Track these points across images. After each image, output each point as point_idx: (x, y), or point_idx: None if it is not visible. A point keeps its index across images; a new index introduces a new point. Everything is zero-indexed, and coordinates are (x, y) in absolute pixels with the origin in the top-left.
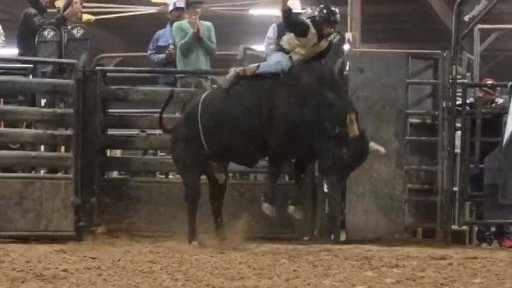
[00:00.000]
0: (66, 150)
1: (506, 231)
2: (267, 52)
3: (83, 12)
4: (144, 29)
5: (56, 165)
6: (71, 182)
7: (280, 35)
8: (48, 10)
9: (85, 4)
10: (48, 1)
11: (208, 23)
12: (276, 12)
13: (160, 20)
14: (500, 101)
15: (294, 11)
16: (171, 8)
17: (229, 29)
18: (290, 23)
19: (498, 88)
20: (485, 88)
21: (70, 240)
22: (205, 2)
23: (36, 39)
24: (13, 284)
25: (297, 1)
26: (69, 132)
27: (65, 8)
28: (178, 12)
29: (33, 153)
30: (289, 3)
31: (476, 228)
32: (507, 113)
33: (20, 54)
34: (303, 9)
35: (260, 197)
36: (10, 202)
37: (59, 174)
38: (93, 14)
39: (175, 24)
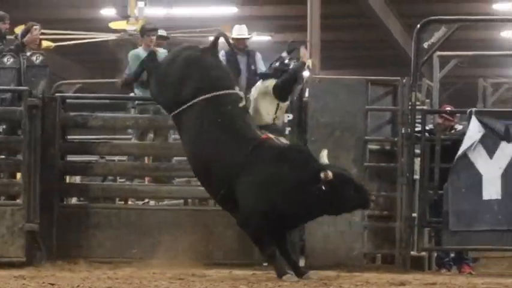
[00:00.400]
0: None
1: (465, 257)
2: None
3: (42, 39)
4: (103, 56)
5: (4, 192)
6: (19, 208)
7: (229, 61)
8: (8, 37)
9: (44, 31)
10: (7, 28)
11: (164, 50)
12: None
13: (119, 47)
14: (459, 127)
15: (240, 36)
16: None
17: None
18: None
19: (457, 115)
20: (444, 115)
21: (22, 266)
22: (166, 29)
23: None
24: None
25: (244, 27)
26: (20, 158)
27: (24, 35)
28: (159, 40)
29: None
30: (236, 28)
31: (436, 254)
32: None
33: None
34: (249, 34)
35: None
36: None
37: (3, 201)
38: (53, 40)
39: (131, 52)
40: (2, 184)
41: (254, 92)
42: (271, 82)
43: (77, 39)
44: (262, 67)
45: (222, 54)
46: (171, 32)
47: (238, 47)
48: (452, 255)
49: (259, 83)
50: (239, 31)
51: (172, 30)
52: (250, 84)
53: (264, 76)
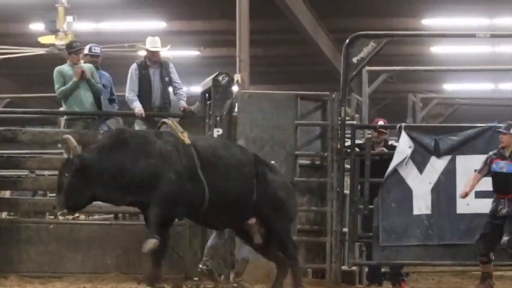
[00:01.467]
0: None
1: (400, 274)
2: (128, 99)
3: None
4: (33, 70)
5: None
6: None
7: (142, 75)
8: None
9: None
10: None
11: (89, 65)
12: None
13: (49, 60)
14: (393, 142)
15: (154, 49)
16: (86, 51)
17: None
18: None
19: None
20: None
21: None
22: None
23: None
24: None
25: (158, 39)
26: None
27: None
28: (93, 58)
29: None
30: (149, 41)
31: (366, 269)
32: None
33: None
34: (162, 47)
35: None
36: None
37: None
38: None
39: (56, 68)
40: None
41: None
42: None
43: (6, 54)
44: (176, 78)
45: (134, 68)
46: (103, 46)
47: (152, 59)
48: (383, 270)
49: None
50: (153, 43)
51: (101, 44)
52: (164, 95)
53: None
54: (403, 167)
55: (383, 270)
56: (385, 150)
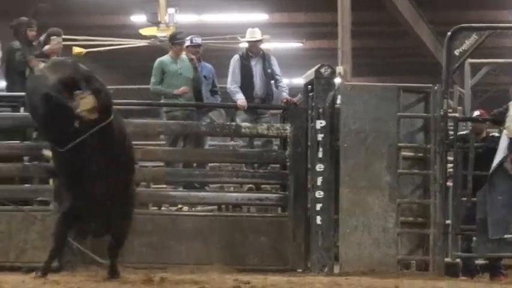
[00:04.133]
0: None
1: (498, 266)
2: (231, 91)
3: (73, 45)
4: (134, 62)
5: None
6: (50, 213)
7: (244, 67)
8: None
9: (76, 37)
10: (34, 35)
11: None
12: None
13: (150, 52)
14: (496, 134)
15: (253, 39)
16: (187, 43)
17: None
18: None
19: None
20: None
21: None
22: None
23: (27, 72)
24: None
25: (258, 30)
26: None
27: (45, 42)
28: (194, 49)
29: None
30: (249, 32)
31: (462, 262)
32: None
33: (7, 86)
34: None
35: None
36: None
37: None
38: (84, 46)
39: (158, 60)
40: (33, 190)
41: None
42: None
43: (107, 46)
44: (278, 71)
45: (236, 59)
46: (202, 39)
47: (253, 51)
48: (479, 262)
49: None
50: (252, 34)
51: (202, 36)
52: (266, 87)
53: None
54: (508, 161)
55: (477, 262)
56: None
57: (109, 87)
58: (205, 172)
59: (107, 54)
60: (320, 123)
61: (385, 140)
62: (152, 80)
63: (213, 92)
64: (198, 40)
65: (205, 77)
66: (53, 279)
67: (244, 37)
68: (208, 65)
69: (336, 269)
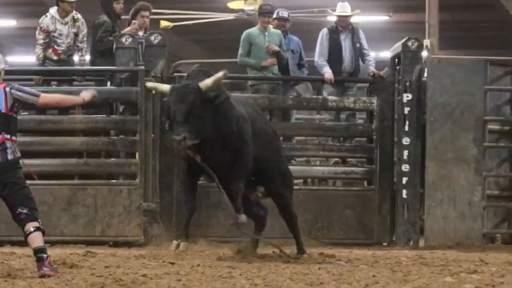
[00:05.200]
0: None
1: None
2: (318, 64)
3: (161, 19)
4: (221, 35)
5: (121, 171)
6: (136, 187)
7: (332, 40)
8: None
9: (163, 11)
10: (122, 8)
11: (277, 31)
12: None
13: (237, 26)
14: None
15: (343, 13)
16: (274, 15)
17: (310, 35)
18: None
19: None
20: None
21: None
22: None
23: (114, 46)
24: None
25: (347, 4)
26: (136, 138)
27: (133, 17)
28: (280, 22)
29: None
30: (339, 6)
31: None
32: None
33: (92, 61)
34: (352, 12)
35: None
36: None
37: (120, 180)
38: (171, 20)
39: (245, 32)
40: (118, 164)
41: None
42: None
43: (195, 19)
44: (365, 45)
45: (325, 33)
46: (291, 12)
47: (342, 25)
48: None
49: None
50: (342, 8)
51: (290, 10)
52: (355, 61)
53: None
54: None
55: None
56: None
57: (195, 60)
58: (292, 146)
59: (193, 27)
60: (407, 97)
61: (471, 113)
62: (240, 51)
63: (300, 66)
64: (284, 14)
65: (292, 50)
66: (139, 253)
67: (334, 10)
68: (296, 38)
69: (421, 243)
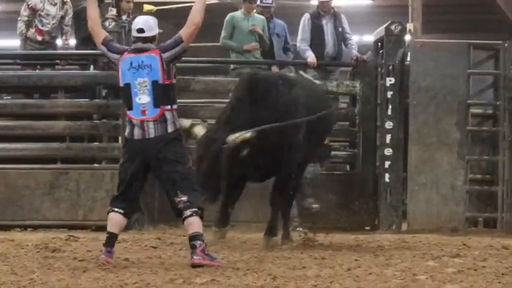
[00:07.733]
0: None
1: None
2: (300, 49)
3: (144, 3)
4: (204, 19)
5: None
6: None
7: (314, 25)
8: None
9: None
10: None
11: (261, 17)
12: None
13: (221, 10)
14: None
15: None
16: (258, 2)
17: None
18: None
19: None
20: None
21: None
22: None
23: None
24: (74, 273)
25: None
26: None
27: (117, 1)
28: (264, 9)
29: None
30: None
31: None
32: None
33: (76, 45)
34: None
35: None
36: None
37: (102, 165)
38: (154, 4)
39: (229, 15)
40: (101, 148)
41: None
42: None
43: (178, 3)
44: (347, 29)
45: (307, 18)
46: None
47: (323, 9)
48: None
49: None
50: None
51: None
52: (337, 45)
53: None
54: None
55: None
56: None
57: None
58: None
59: (177, 11)
60: (389, 81)
61: (454, 97)
62: (222, 34)
63: (286, 50)
64: (268, 1)
65: (277, 34)
66: (121, 237)
67: None
68: (281, 22)
69: (404, 227)
